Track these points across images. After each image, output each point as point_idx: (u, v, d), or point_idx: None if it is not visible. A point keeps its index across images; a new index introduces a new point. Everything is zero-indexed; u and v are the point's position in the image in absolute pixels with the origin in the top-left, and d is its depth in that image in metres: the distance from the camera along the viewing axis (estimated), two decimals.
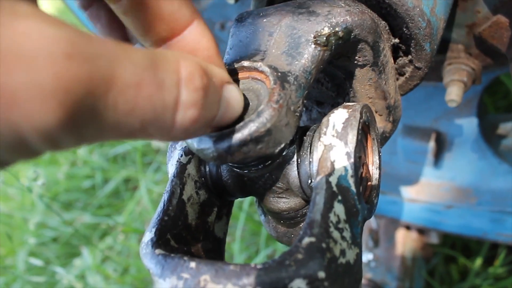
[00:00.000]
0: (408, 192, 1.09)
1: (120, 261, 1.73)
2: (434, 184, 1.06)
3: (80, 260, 1.75)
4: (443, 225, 1.09)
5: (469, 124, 0.97)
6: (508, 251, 1.26)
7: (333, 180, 0.40)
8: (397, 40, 0.54)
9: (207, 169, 0.49)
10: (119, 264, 1.72)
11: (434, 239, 1.21)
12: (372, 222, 1.23)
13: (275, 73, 0.40)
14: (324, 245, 0.36)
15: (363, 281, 1.18)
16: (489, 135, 0.99)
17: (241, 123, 0.38)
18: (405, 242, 1.21)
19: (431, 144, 1.00)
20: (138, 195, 1.91)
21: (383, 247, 1.22)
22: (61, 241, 2.07)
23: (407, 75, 0.58)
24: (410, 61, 0.56)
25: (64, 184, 2.21)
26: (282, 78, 0.40)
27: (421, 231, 1.20)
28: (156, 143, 1.79)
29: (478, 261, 1.28)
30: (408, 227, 1.20)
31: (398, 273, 1.19)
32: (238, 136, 0.37)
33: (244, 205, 1.52)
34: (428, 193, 1.07)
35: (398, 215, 1.16)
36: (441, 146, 1.02)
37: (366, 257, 1.20)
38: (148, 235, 0.43)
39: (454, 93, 0.72)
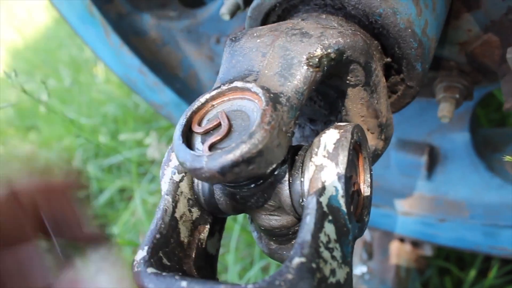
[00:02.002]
0: (401, 205, 1.10)
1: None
2: (427, 198, 1.07)
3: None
4: (436, 238, 1.10)
5: (462, 139, 0.98)
6: (502, 264, 1.27)
7: (324, 200, 0.40)
8: (389, 59, 0.55)
9: (200, 187, 0.49)
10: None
11: (428, 251, 1.21)
12: (366, 235, 1.23)
13: (268, 94, 0.41)
14: (314, 265, 0.36)
15: None
16: (481, 149, 1.00)
17: (233, 144, 0.38)
18: (399, 254, 1.21)
19: (424, 158, 1.01)
20: (132, 205, 1.90)
21: (377, 260, 1.22)
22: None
23: (399, 93, 0.59)
24: (402, 80, 0.57)
25: None
26: (274, 99, 0.41)
27: (415, 243, 1.20)
28: (151, 154, 1.79)
29: (472, 273, 1.28)
30: (402, 240, 1.20)
31: (392, 286, 1.19)
32: (230, 157, 0.38)
33: (238, 216, 1.52)
34: (421, 206, 1.07)
35: (392, 228, 1.16)
36: (434, 160, 1.03)
37: (360, 269, 1.20)
38: (140, 253, 0.43)
39: (446, 109, 0.73)
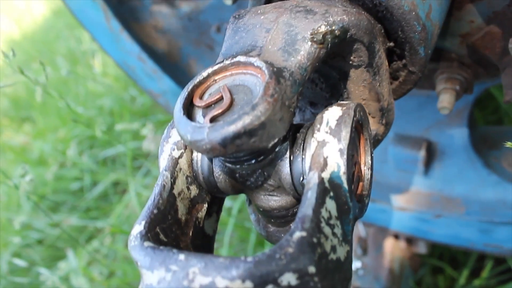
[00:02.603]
0: (397, 200, 1.10)
1: (107, 264, 1.70)
2: (423, 193, 1.07)
3: (65, 262, 1.73)
4: (431, 235, 1.10)
5: (460, 135, 0.98)
6: (495, 263, 1.27)
7: (326, 176, 0.40)
8: (392, 44, 0.55)
9: (199, 164, 0.48)
10: (105, 267, 1.70)
11: (422, 249, 1.21)
12: (361, 231, 1.23)
13: (271, 68, 0.40)
14: (315, 240, 0.36)
15: None
16: (479, 146, 1.00)
17: (235, 115, 0.38)
18: (393, 251, 1.21)
19: (422, 153, 1.01)
20: (126, 198, 1.89)
21: (371, 256, 1.22)
22: (47, 243, 2.04)
23: (401, 79, 0.58)
24: (404, 65, 0.57)
25: (52, 185, 2.18)
26: (277, 73, 0.40)
27: (410, 240, 1.20)
28: (147, 147, 1.78)
29: (465, 273, 1.28)
30: (396, 236, 1.20)
31: (385, 282, 1.19)
32: (232, 128, 0.37)
33: (233, 211, 1.51)
34: (418, 201, 1.07)
35: (387, 224, 1.16)
36: (432, 156, 1.03)
37: (355, 265, 1.20)
38: (137, 227, 0.42)
39: (446, 101, 0.73)
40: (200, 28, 1.00)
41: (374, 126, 0.55)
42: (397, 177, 1.08)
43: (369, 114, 0.54)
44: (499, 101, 1.40)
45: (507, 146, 0.57)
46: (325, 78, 0.54)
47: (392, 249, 1.21)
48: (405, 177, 1.07)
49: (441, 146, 1.01)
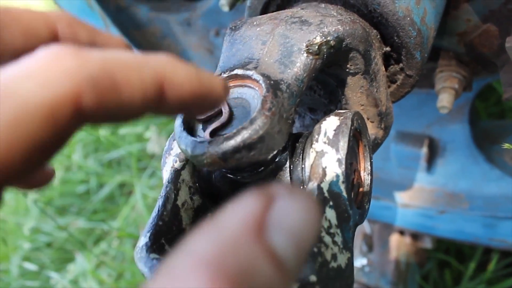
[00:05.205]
0: (401, 197, 1.10)
1: (115, 266, 1.72)
2: (427, 190, 1.07)
3: (74, 265, 1.75)
4: (436, 230, 1.10)
5: (461, 130, 0.98)
6: (501, 256, 1.27)
7: (325, 186, 0.41)
8: (388, 49, 0.55)
9: (201, 174, 0.49)
10: (113, 269, 1.72)
11: (427, 244, 1.21)
12: (366, 227, 1.24)
13: (268, 81, 0.41)
14: (315, 249, 0.37)
15: (358, 285, 1.19)
16: (481, 141, 1.00)
17: (234, 130, 0.39)
18: (399, 247, 1.22)
19: (424, 150, 1.01)
20: (133, 200, 1.91)
21: (377, 252, 1.22)
22: (55, 247, 2.06)
23: (398, 82, 0.59)
24: (401, 69, 0.57)
25: (59, 189, 2.20)
26: (274, 86, 0.41)
27: (415, 236, 1.21)
28: (151, 148, 1.79)
29: (472, 266, 1.29)
30: (401, 232, 1.20)
31: (392, 278, 1.19)
32: (231, 143, 0.38)
33: None
34: (421, 198, 1.08)
35: (392, 220, 1.17)
36: (434, 152, 1.04)
37: (360, 262, 1.21)
38: (143, 239, 0.43)
39: (445, 100, 0.73)
40: (199, 33, 1.01)
41: (373, 130, 0.56)
42: (400, 174, 1.09)
43: (368, 119, 0.55)
44: (501, 93, 1.40)
45: (506, 147, 0.58)
46: (323, 85, 0.55)
47: (397, 245, 1.22)
48: (408, 174, 1.08)
49: (443, 143, 1.02)
